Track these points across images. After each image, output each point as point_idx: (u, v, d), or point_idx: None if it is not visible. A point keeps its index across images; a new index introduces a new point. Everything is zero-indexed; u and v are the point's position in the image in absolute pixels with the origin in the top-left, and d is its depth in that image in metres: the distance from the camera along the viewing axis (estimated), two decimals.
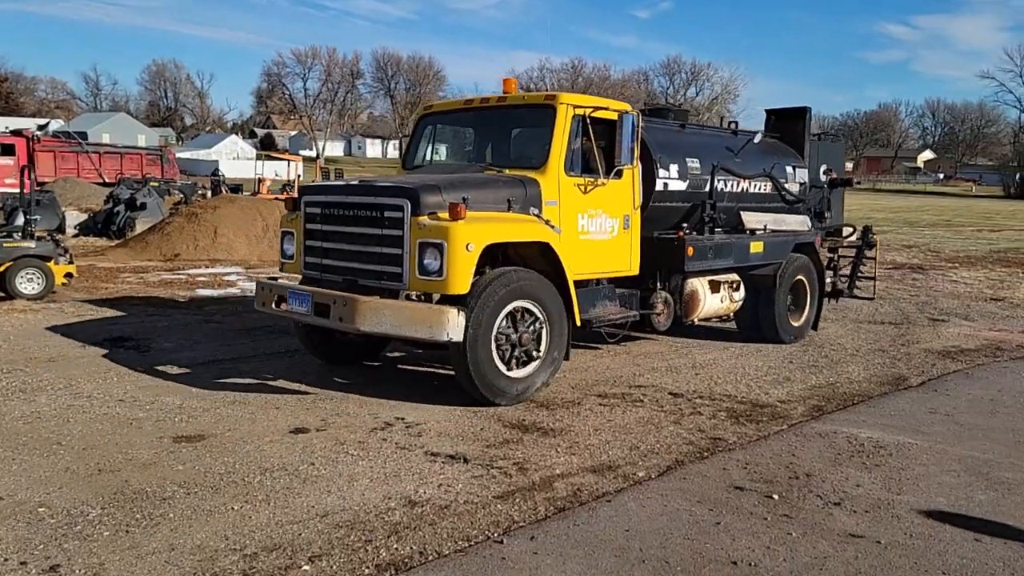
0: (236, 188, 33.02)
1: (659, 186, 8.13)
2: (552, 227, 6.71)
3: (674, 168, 8.31)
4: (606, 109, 7.34)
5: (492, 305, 6.21)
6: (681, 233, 8.25)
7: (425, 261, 6.07)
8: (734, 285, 9.06)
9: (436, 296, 6.30)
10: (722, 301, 8.90)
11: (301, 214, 7.12)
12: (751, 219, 9.29)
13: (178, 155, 54.45)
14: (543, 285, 6.60)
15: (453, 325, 5.97)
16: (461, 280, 6.02)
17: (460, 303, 6.08)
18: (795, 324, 9.73)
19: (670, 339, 9.35)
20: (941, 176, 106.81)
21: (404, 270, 6.22)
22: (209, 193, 30.40)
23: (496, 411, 6.30)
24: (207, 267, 14.96)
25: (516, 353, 6.51)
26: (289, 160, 39.94)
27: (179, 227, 16.83)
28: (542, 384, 6.72)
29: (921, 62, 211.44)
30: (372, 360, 8.08)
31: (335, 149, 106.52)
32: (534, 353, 6.62)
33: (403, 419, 6.05)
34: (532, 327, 6.57)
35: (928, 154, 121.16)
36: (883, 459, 5.36)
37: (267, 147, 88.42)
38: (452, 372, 6.64)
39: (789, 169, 10.08)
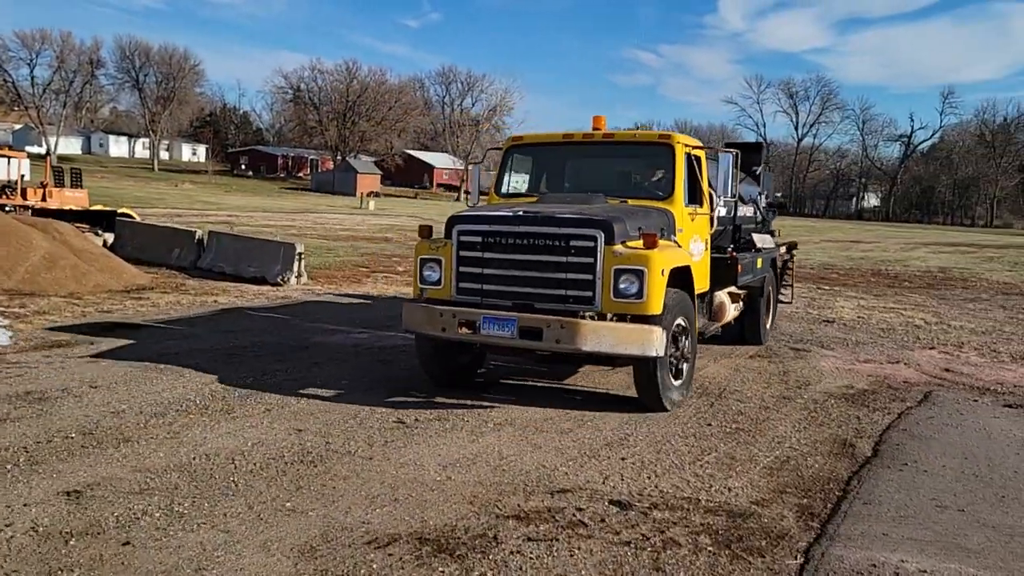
0: None
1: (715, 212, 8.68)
2: (689, 252, 7.68)
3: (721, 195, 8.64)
4: (703, 148, 8.49)
5: (671, 321, 6.93)
6: (733, 253, 9.24)
7: (621, 286, 6.59)
8: (742, 296, 10.01)
9: (610, 315, 6.68)
10: (735, 311, 9.73)
11: (453, 242, 7.23)
12: (758, 240, 10.39)
13: None
14: (690, 303, 7.44)
15: (659, 342, 6.60)
16: (658, 301, 6.65)
17: (654, 322, 6.62)
18: (768, 327, 11.32)
19: (540, 385, 7.34)
20: None
21: (596, 294, 6.68)
22: None
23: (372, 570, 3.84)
24: None
25: (678, 364, 7.34)
26: (11, 157, 33.15)
27: None
28: (687, 393, 7.62)
29: (666, 87, 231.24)
30: (477, 378, 8.28)
31: (71, 146, 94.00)
32: (685, 363, 7.48)
33: None
34: (687, 340, 7.42)
35: None
36: None
37: None
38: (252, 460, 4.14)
39: (757, 195, 11.23)
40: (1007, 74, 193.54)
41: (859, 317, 14.25)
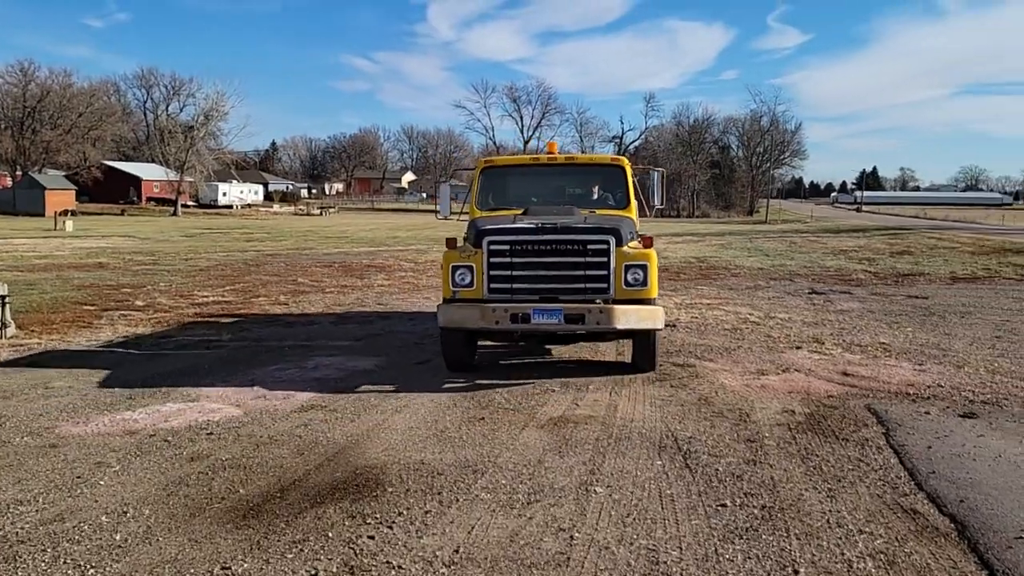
0: None
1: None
2: None
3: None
4: (640, 168, 10.60)
5: None
6: None
7: (630, 277, 8.31)
8: None
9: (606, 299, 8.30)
10: None
11: (484, 251, 8.44)
12: None
13: None
14: None
15: (662, 317, 8.50)
16: (656, 287, 8.46)
17: (656, 303, 8.44)
18: None
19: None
20: (424, 195, 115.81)
21: (611, 284, 8.33)
22: None
23: None
24: None
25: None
26: None
27: None
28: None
29: (384, 93, 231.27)
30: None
31: None
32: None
33: None
34: None
35: (411, 175, 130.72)
36: None
37: None
38: None
39: None
40: (680, 83, 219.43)
41: (692, 318, 13.41)
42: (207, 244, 35.37)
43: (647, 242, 8.55)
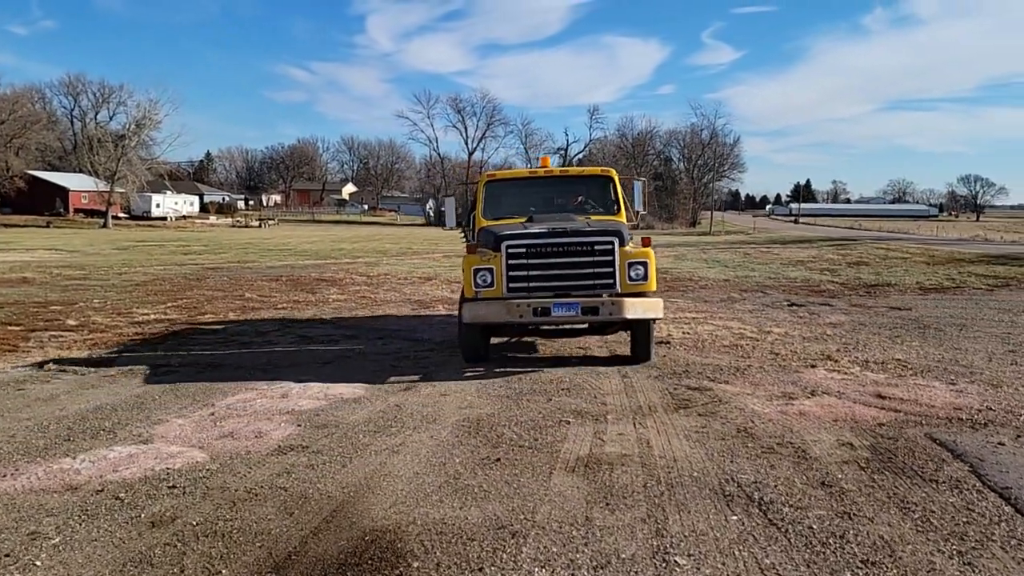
0: None
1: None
2: None
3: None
4: (624, 178, 11.41)
5: None
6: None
7: (633, 273, 9.20)
8: None
9: (612, 294, 9.23)
10: None
11: (502, 254, 9.24)
12: None
13: None
14: None
15: (662, 308, 9.44)
16: (655, 281, 9.40)
17: (656, 295, 9.42)
18: None
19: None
20: (366, 207, 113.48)
21: (616, 280, 9.20)
22: None
23: None
24: None
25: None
26: None
27: None
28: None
29: (322, 104, 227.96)
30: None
31: None
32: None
33: None
34: None
35: (351, 187, 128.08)
36: None
37: None
38: None
39: None
40: (619, 97, 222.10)
41: (684, 334, 12.58)
42: (142, 257, 33.29)
43: (646, 242, 9.55)
